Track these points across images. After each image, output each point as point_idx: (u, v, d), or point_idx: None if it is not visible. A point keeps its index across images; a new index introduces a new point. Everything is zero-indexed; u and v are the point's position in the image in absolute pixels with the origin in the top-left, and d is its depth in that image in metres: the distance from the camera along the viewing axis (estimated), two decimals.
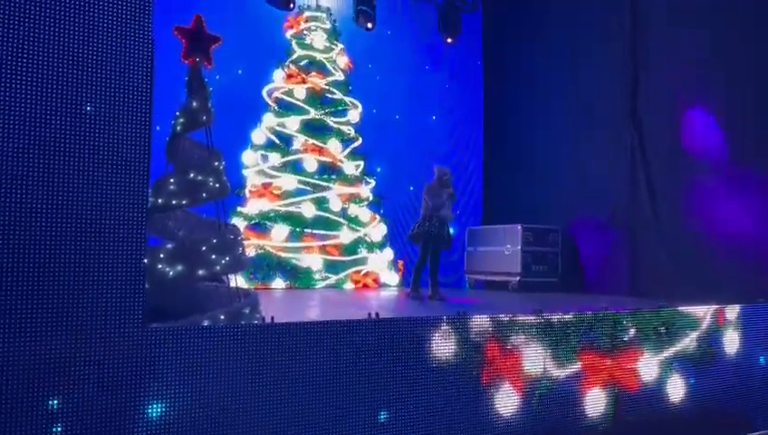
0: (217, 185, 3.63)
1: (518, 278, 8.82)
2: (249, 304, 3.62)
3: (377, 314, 3.82)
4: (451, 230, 7.03)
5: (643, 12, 8.16)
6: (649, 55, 8.06)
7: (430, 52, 10.75)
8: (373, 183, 9.40)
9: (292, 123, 8.90)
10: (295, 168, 8.87)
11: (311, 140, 8.97)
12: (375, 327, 3.70)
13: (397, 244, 9.67)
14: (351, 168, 9.16)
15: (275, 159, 8.77)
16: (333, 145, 9.05)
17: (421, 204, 6.93)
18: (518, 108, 10.16)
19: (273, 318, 3.49)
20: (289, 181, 8.67)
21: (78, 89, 3.00)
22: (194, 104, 3.71)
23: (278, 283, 8.26)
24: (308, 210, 8.60)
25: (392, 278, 9.31)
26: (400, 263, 9.65)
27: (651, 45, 8.05)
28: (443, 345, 3.89)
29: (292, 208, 8.60)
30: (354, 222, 8.97)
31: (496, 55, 10.86)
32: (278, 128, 8.94)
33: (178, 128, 3.70)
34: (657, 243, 7.81)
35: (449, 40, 10.22)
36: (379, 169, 9.90)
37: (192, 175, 3.58)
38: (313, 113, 9.06)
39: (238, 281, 3.67)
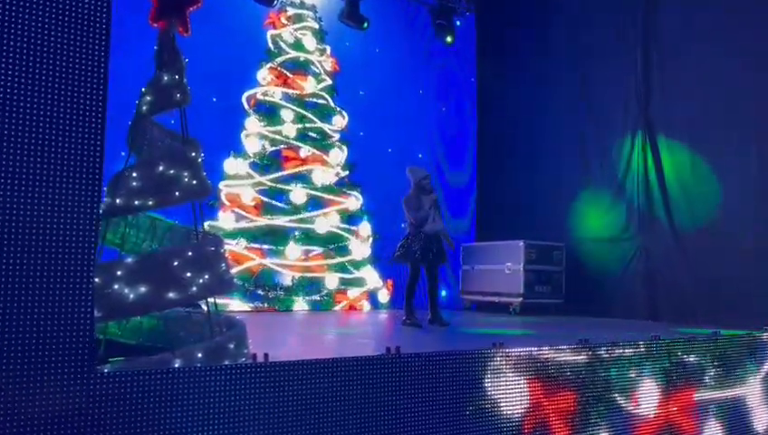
0: (195, 181, 2.79)
1: (520, 299, 8.08)
2: (234, 337, 2.78)
3: (397, 349, 3.01)
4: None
5: (656, 13, 7.61)
6: (664, 59, 7.49)
7: (421, 58, 10.05)
8: (361, 199, 8.53)
9: (289, 130, 8.08)
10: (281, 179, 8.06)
11: (313, 150, 8.23)
12: (397, 365, 2.90)
13: (384, 262, 8.87)
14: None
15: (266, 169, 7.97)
16: (335, 155, 8.30)
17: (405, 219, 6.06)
18: (516, 113, 9.47)
19: (267, 356, 2.66)
20: (299, 194, 7.92)
21: None
22: (164, 78, 2.88)
23: (300, 304, 7.69)
24: (321, 226, 7.90)
25: (383, 298, 8.53)
26: (389, 282, 8.83)
27: (666, 48, 7.49)
28: (481, 384, 3.10)
29: (281, 224, 7.80)
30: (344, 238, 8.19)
31: (492, 58, 10.18)
32: (271, 135, 8.10)
33: (144, 108, 2.86)
34: (677, 261, 7.14)
35: (449, 39, 9.55)
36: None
37: (162, 168, 2.74)
38: (312, 120, 8.29)
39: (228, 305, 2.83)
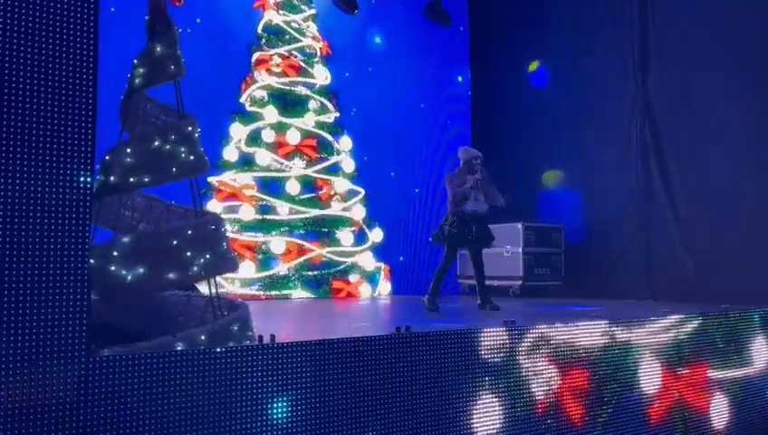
0: (192, 157, 2.65)
1: (520, 282, 7.99)
2: (238, 319, 2.65)
3: (407, 328, 2.91)
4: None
5: None
6: (660, 31, 7.38)
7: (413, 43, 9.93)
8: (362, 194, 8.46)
9: (309, 120, 8.09)
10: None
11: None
12: (408, 344, 2.79)
13: (379, 249, 8.74)
14: (351, 164, 8.36)
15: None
16: (344, 141, 8.36)
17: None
18: (513, 96, 9.32)
19: (273, 337, 2.55)
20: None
21: None
22: (157, 50, 2.73)
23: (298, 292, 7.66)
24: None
25: (382, 284, 8.40)
26: (386, 268, 8.68)
27: (663, 20, 7.38)
28: (493, 363, 3.00)
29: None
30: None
31: (486, 44, 10.05)
32: (295, 124, 8.00)
33: (137, 81, 2.72)
34: (677, 241, 7.08)
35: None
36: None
37: (157, 143, 2.60)
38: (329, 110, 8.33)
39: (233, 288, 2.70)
